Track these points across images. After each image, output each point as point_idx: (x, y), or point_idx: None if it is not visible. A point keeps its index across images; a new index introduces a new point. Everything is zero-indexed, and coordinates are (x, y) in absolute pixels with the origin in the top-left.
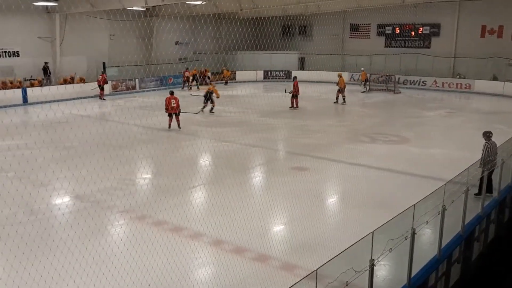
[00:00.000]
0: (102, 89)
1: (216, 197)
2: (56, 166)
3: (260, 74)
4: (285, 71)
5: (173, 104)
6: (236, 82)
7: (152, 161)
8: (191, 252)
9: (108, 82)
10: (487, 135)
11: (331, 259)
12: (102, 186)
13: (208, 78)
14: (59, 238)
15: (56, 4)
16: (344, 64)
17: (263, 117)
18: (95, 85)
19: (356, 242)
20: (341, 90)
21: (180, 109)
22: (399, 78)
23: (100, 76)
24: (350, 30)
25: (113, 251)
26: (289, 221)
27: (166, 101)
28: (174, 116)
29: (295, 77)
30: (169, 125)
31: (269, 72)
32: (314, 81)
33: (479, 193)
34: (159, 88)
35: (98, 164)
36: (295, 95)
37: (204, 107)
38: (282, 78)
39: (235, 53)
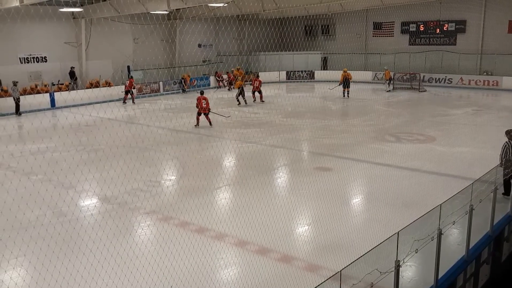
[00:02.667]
0: (127, 93)
1: (240, 197)
2: (84, 168)
3: (283, 74)
4: (308, 71)
5: (204, 104)
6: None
7: (177, 163)
8: (215, 253)
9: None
10: (511, 134)
11: (355, 260)
12: (128, 187)
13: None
14: (88, 238)
15: (81, 9)
16: (367, 63)
17: (287, 118)
18: (122, 88)
19: (381, 243)
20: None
21: (210, 109)
22: (424, 76)
23: (128, 81)
24: (373, 29)
25: (140, 251)
26: (313, 222)
27: (197, 101)
28: (204, 115)
29: (257, 74)
30: (198, 123)
31: (292, 73)
32: (337, 81)
33: (506, 193)
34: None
35: (124, 166)
36: (255, 91)
37: (239, 103)
38: (305, 79)
39: (258, 54)
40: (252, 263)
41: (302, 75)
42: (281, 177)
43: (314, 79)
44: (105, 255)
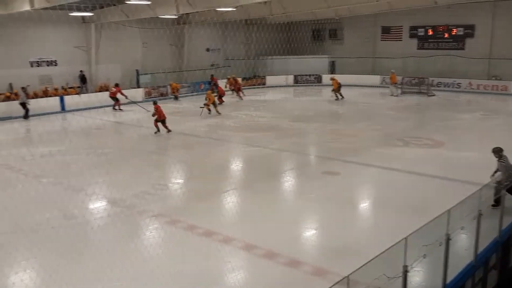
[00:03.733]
0: (116, 100)
1: (247, 201)
2: (93, 171)
3: (291, 78)
4: (315, 75)
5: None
6: (267, 87)
7: (184, 166)
8: (222, 257)
9: (141, 88)
10: (499, 153)
11: (363, 265)
12: (136, 190)
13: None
14: (97, 241)
15: (92, 14)
16: (375, 67)
17: (294, 122)
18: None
19: (389, 248)
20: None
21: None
22: (432, 81)
23: (114, 89)
24: (382, 33)
25: (148, 254)
26: (320, 226)
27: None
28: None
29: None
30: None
31: (299, 77)
32: (345, 85)
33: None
34: (191, 94)
35: (132, 169)
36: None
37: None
38: (313, 83)
39: (265, 58)
40: (259, 267)
41: (309, 79)
42: (289, 181)
43: (321, 83)
44: (114, 258)
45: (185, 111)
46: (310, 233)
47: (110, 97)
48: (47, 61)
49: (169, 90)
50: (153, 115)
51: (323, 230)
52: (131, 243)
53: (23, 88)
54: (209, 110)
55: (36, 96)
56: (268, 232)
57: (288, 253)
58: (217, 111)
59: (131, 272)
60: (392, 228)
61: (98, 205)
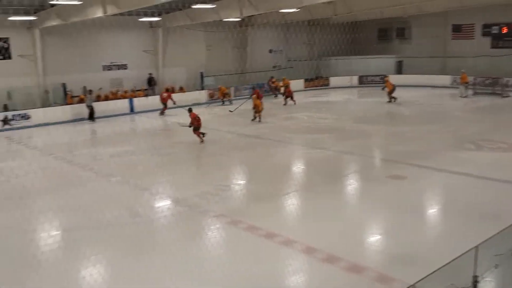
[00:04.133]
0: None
1: (309, 204)
2: (158, 171)
3: (355, 79)
4: (381, 75)
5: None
6: (330, 88)
7: (246, 167)
8: (283, 259)
9: (205, 90)
10: None
11: (430, 274)
12: (198, 191)
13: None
14: (160, 239)
15: (159, 19)
16: (445, 67)
17: (358, 124)
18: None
19: (459, 257)
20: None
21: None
22: (507, 81)
23: (166, 94)
24: (452, 31)
25: (209, 254)
26: (385, 231)
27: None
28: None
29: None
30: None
31: (364, 77)
32: (412, 85)
33: None
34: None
35: (195, 170)
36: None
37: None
38: (379, 83)
39: (328, 59)
40: (321, 271)
41: (375, 80)
42: (352, 185)
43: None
44: (176, 256)
45: (245, 113)
46: (373, 238)
47: (162, 102)
48: (118, 65)
49: (232, 92)
50: (190, 125)
51: (387, 236)
52: (192, 242)
53: (89, 91)
54: (256, 117)
55: (107, 98)
56: (329, 235)
57: (350, 258)
58: (257, 117)
59: (192, 271)
60: (461, 235)
61: (162, 204)
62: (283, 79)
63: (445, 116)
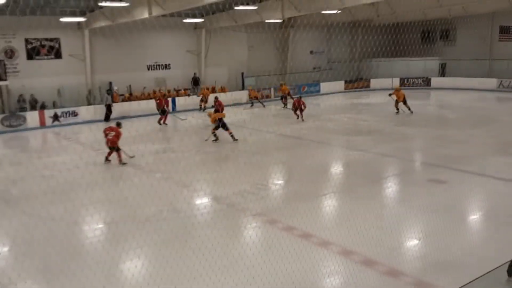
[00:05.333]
0: (163, 113)
1: (346, 206)
2: (197, 169)
3: (396, 81)
4: (423, 78)
5: (110, 136)
6: (371, 90)
7: (284, 167)
8: (319, 260)
9: (245, 90)
10: None
11: (471, 281)
12: (237, 189)
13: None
14: (198, 236)
15: (203, 20)
16: (492, 69)
17: (399, 126)
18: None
19: (500, 266)
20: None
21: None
22: None
23: (161, 99)
24: (500, 33)
25: (245, 252)
26: (424, 236)
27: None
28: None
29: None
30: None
31: (406, 80)
32: (456, 88)
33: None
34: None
35: (235, 168)
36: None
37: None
38: (421, 86)
39: (370, 61)
40: (357, 274)
41: (417, 82)
42: (391, 187)
43: (430, 86)
44: (213, 254)
45: (286, 113)
46: (412, 243)
47: (158, 109)
48: (162, 64)
49: (272, 92)
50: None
51: (426, 241)
52: (229, 240)
53: (107, 90)
54: (215, 136)
55: (150, 97)
56: (367, 238)
57: (388, 262)
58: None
59: (228, 269)
60: (502, 243)
61: (202, 201)
62: (281, 85)
63: (490, 120)
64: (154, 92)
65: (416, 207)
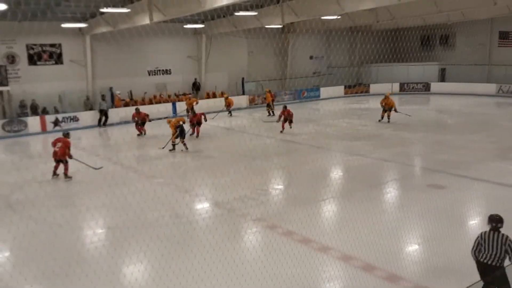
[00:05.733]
0: (140, 124)
1: (346, 211)
2: (198, 174)
3: (396, 86)
4: (423, 83)
5: (57, 147)
6: (371, 95)
7: (284, 172)
8: (318, 265)
9: (246, 96)
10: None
11: (470, 286)
12: (237, 194)
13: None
14: (200, 241)
15: (203, 26)
16: (490, 75)
17: (398, 131)
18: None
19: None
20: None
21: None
22: None
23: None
24: (499, 38)
25: (245, 257)
26: (423, 242)
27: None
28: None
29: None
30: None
31: (405, 85)
32: (455, 94)
33: None
34: (293, 101)
35: (234, 174)
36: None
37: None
38: (421, 91)
39: (369, 66)
40: (357, 279)
41: (417, 87)
42: (390, 193)
43: (430, 91)
44: (214, 258)
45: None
46: (411, 248)
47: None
48: (163, 70)
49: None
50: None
51: (426, 246)
52: (230, 245)
53: (102, 96)
54: (174, 146)
55: (152, 102)
56: (366, 243)
57: (387, 267)
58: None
59: (228, 273)
60: None
61: (202, 206)
62: (266, 92)
63: (489, 125)
64: (155, 97)
65: (415, 212)
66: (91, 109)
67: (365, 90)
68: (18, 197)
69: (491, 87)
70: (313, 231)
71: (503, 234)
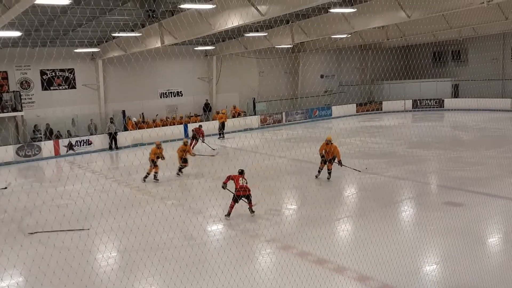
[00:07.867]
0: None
1: (361, 230)
2: (210, 195)
3: (409, 103)
4: (436, 99)
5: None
6: (383, 112)
7: (297, 192)
8: (335, 286)
9: (257, 116)
10: None
11: None
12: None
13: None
14: (214, 262)
15: (213, 47)
16: (505, 90)
17: (412, 149)
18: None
19: None
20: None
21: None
22: None
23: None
24: None
25: (260, 278)
26: (442, 261)
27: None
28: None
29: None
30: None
31: (418, 101)
32: (470, 109)
33: None
34: (305, 120)
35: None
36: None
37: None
38: (434, 107)
39: (381, 83)
40: None
41: (430, 104)
42: (406, 211)
43: (443, 107)
44: (229, 280)
45: (298, 137)
46: (429, 267)
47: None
48: (174, 92)
49: (284, 117)
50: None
51: (444, 265)
52: (244, 266)
53: (111, 119)
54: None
55: (162, 124)
56: (383, 264)
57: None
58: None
59: None
60: None
61: (215, 228)
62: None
63: (505, 141)
64: (167, 118)
65: (432, 230)
66: (95, 131)
67: (377, 107)
68: (29, 222)
69: (506, 102)
70: (328, 252)
71: None
